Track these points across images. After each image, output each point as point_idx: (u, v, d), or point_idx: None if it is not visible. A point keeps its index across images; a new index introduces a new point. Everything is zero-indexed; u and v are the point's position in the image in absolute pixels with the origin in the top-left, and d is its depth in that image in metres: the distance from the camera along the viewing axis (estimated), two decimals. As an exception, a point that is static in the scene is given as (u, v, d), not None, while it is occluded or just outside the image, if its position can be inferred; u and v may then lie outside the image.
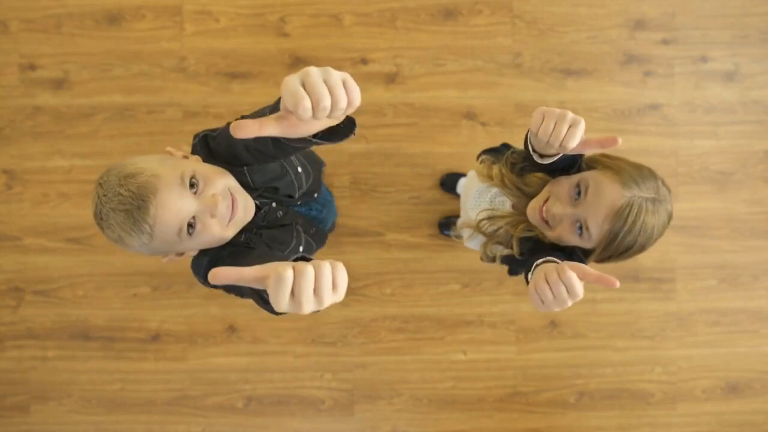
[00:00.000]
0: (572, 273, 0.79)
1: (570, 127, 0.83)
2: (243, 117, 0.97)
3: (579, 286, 0.79)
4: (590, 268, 0.81)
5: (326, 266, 0.58)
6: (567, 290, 0.79)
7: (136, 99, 1.95)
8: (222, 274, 0.60)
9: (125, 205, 0.84)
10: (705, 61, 1.97)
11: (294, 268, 0.58)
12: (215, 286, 0.97)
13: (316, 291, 0.58)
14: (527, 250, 1.11)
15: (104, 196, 0.86)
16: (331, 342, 1.98)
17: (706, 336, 2.00)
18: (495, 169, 1.19)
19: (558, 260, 0.89)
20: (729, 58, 1.98)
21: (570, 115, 0.84)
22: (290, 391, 1.99)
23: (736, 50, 1.97)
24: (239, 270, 0.61)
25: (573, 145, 0.84)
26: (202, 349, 1.97)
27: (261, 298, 0.77)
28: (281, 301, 0.57)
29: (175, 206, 0.85)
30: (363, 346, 1.98)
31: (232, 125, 0.62)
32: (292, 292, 0.57)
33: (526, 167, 1.10)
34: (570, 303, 0.80)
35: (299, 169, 1.15)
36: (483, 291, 1.98)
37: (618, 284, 0.77)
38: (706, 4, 1.97)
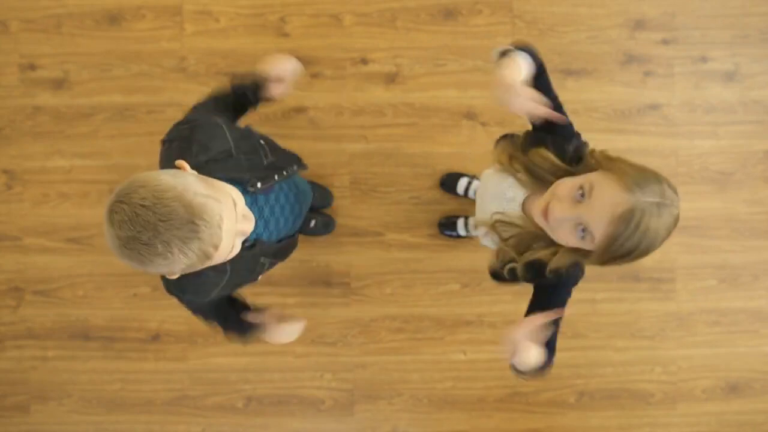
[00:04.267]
0: (518, 331, 0.94)
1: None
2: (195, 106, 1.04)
3: (525, 345, 0.95)
4: (536, 316, 0.97)
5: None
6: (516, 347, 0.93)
7: (136, 99, 1.95)
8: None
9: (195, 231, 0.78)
10: (705, 61, 1.97)
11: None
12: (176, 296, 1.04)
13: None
14: (530, 279, 1.15)
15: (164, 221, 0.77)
16: (331, 342, 1.98)
17: (706, 336, 2.00)
18: (506, 152, 1.21)
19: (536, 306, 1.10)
20: (729, 58, 1.97)
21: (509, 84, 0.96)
22: (290, 391, 1.99)
23: (736, 50, 1.97)
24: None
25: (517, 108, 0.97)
26: (202, 349, 1.97)
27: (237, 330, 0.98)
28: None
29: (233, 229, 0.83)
30: (363, 346, 1.98)
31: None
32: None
33: (531, 142, 1.13)
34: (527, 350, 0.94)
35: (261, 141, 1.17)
36: (483, 291, 1.98)
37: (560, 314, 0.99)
38: (706, 4, 1.97)
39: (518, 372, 0.99)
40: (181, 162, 0.87)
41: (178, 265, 0.77)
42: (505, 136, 1.35)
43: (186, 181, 0.77)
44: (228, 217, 0.79)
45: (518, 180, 1.19)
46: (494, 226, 1.21)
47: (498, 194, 1.30)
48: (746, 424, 2.02)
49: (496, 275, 1.23)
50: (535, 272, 1.13)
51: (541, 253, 1.11)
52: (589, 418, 2.01)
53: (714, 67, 1.98)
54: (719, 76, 1.98)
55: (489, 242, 1.34)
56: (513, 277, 1.18)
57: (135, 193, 0.74)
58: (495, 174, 1.29)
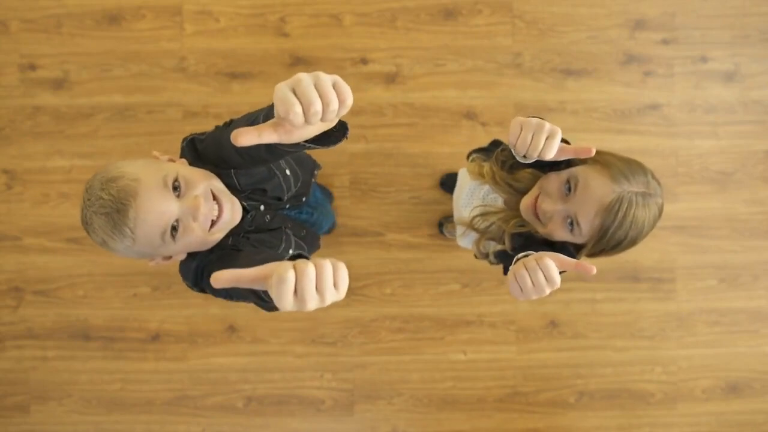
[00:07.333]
0: (550, 260, 0.82)
1: (547, 138, 0.84)
2: (232, 120, 0.97)
3: (556, 273, 0.81)
4: (568, 257, 0.84)
5: (327, 265, 0.60)
6: (545, 277, 0.81)
7: (136, 99, 1.95)
8: (223, 277, 0.61)
9: (106, 208, 0.85)
10: (705, 61, 1.97)
11: (295, 268, 0.59)
12: (203, 290, 0.98)
13: (318, 289, 0.59)
14: (519, 246, 1.11)
15: (88, 200, 0.87)
16: (331, 342, 1.98)
17: (706, 336, 2.00)
18: (486, 167, 1.20)
19: None
20: (729, 58, 1.97)
21: (547, 126, 0.85)
22: (290, 391, 1.99)
23: (736, 50, 1.97)
24: (238, 272, 0.62)
25: (551, 156, 0.86)
26: (202, 349, 1.97)
27: (258, 296, 0.78)
28: (285, 300, 0.58)
29: (156, 209, 0.86)
30: (363, 346, 1.98)
31: (232, 134, 0.63)
32: (295, 291, 0.58)
33: (516, 164, 1.11)
34: (548, 291, 0.82)
35: (287, 172, 1.14)
36: (483, 291, 1.98)
37: (595, 270, 0.80)
38: (706, 4, 1.97)
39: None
40: (155, 153, 0.99)
41: (111, 243, 0.87)
42: (478, 150, 1.35)
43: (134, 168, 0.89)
44: (147, 196, 0.85)
45: (497, 190, 1.19)
46: (471, 222, 1.22)
47: (478, 189, 1.31)
48: (746, 424, 2.01)
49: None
50: (524, 238, 1.13)
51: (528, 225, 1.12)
52: (589, 418, 2.01)
53: (714, 67, 1.98)
54: (719, 76, 1.98)
55: (467, 242, 1.35)
56: (503, 258, 1.18)
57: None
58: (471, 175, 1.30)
